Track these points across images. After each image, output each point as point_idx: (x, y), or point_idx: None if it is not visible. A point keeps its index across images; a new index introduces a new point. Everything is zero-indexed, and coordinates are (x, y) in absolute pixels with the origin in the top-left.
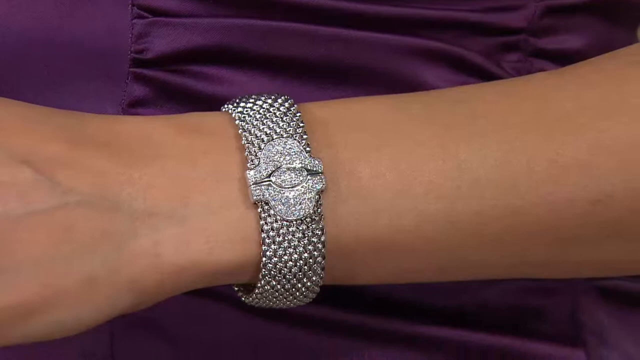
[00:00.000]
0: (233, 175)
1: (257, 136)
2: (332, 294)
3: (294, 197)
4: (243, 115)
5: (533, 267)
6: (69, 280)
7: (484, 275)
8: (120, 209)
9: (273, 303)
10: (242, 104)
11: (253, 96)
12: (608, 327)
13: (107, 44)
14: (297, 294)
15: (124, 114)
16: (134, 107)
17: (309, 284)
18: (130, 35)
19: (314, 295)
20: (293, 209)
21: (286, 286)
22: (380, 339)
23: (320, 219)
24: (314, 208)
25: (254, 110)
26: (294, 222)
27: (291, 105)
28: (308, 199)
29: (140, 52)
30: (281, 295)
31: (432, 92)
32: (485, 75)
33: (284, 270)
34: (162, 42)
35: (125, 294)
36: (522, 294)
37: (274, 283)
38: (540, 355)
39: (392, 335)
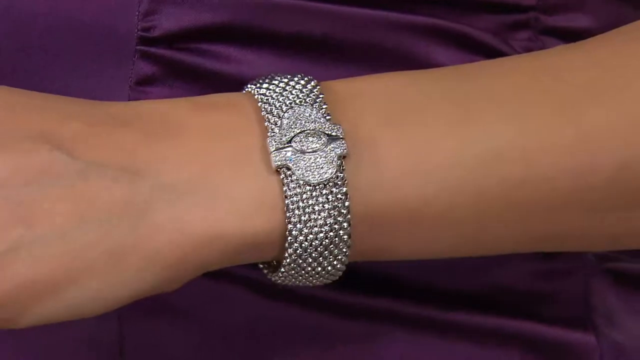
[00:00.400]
0: (254, 146)
1: (276, 106)
2: (350, 278)
3: (315, 161)
4: (263, 91)
5: (558, 238)
6: (94, 253)
7: (509, 248)
8: (142, 182)
9: (302, 277)
10: (260, 82)
11: (271, 74)
12: (618, 310)
13: (114, 21)
14: (326, 264)
15: (131, 92)
16: (141, 85)
17: (336, 252)
18: (137, 13)
19: (343, 268)
20: (315, 172)
21: (313, 255)
22: (394, 321)
23: (343, 184)
24: (335, 172)
25: (274, 84)
26: (317, 187)
27: (310, 79)
28: (329, 162)
29: (147, 30)
30: (309, 266)
31: (443, 69)
32: (493, 54)
33: (310, 236)
34: (169, 20)
35: (151, 268)
36: (534, 277)
37: (301, 251)
38: (551, 338)
39: (407, 319)
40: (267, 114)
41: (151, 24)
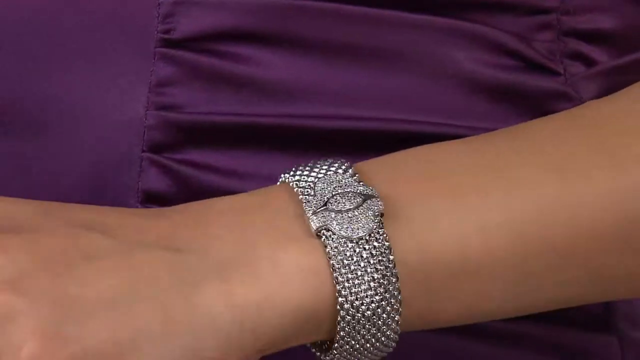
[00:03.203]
0: (292, 214)
1: (306, 181)
2: None
3: (354, 217)
4: (296, 178)
5: (605, 283)
6: (144, 321)
7: (561, 295)
8: (187, 258)
9: (357, 351)
10: (291, 171)
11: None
12: None
13: (134, 23)
14: (380, 323)
15: (150, 94)
16: (162, 86)
17: (388, 308)
18: (157, 15)
19: (396, 337)
20: (354, 227)
21: (367, 314)
22: None
23: (385, 239)
24: (375, 228)
25: (307, 170)
26: (360, 243)
27: (343, 163)
28: (367, 217)
29: (167, 32)
30: (365, 330)
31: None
32: (517, 56)
33: (360, 295)
34: (189, 22)
35: (207, 336)
36: None
37: (353, 312)
38: (573, 343)
39: None
40: (300, 188)
41: (171, 26)
